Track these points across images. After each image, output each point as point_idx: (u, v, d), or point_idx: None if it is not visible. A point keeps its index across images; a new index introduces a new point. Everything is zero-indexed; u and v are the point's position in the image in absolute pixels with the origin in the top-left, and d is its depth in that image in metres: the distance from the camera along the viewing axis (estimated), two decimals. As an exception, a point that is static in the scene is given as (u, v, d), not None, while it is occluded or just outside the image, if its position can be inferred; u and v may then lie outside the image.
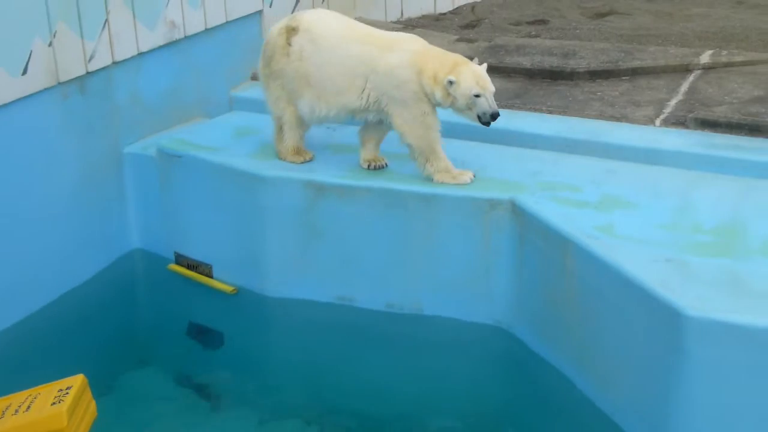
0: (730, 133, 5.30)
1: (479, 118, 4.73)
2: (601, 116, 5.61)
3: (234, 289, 5.44)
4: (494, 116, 4.71)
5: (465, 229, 4.88)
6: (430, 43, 6.76)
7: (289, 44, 4.99)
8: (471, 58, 6.34)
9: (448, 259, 4.99)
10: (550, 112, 5.70)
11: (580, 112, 5.68)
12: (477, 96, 4.67)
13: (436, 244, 4.99)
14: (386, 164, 5.15)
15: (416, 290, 5.11)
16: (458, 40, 7.04)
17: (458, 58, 4.80)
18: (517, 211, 4.75)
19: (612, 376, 4.29)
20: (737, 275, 4.04)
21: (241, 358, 5.05)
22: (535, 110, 5.73)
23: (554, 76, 6.20)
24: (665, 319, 3.87)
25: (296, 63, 4.99)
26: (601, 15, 7.97)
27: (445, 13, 8.27)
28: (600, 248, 4.26)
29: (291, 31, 5.00)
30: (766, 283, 3.96)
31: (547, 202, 4.73)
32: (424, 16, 8.18)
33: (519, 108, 5.76)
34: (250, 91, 6.32)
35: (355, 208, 5.07)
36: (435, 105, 4.82)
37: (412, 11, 8.18)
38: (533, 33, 7.43)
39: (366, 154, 5.18)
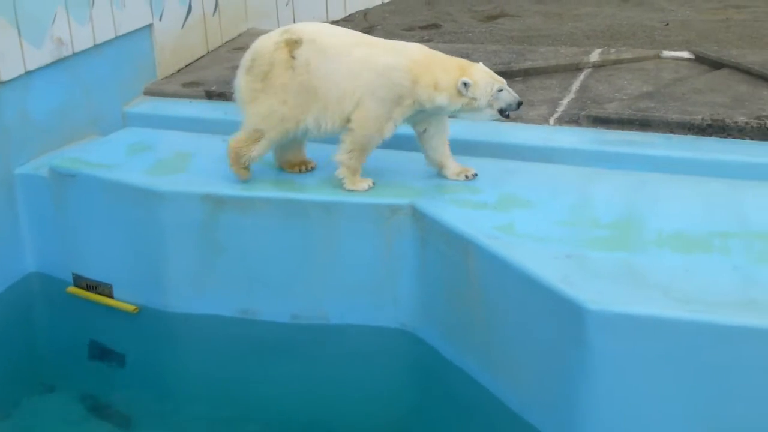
0: (622, 128, 5.41)
1: (502, 111, 4.78)
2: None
3: (136, 308, 5.35)
4: (520, 104, 4.79)
5: (367, 235, 4.88)
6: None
7: (293, 57, 4.84)
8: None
9: (352, 267, 4.98)
10: (446, 115, 5.73)
11: (476, 114, 5.71)
12: (500, 90, 4.74)
13: (339, 253, 4.98)
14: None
15: (321, 300, 5.09)
16: (352, 47, 7.03)
17: (461, 61, 4.84)
18: (417, 215, 4.77)
19: (519, 374, 4.33)
20: (635, 268, 4.11)
21: (146, 377, 4.97)
22: (431, 114, 5.75)
23: (448, 79, 6.23)
24: (567, 315, 3.93)
25: (303, 76, 4.83)
26: (492, 18, 8.06)
27: (337, 21, 8.27)
28: (501, 248, 4.30)
29: (293, 43, 4.84)
30: (662, 275, 4.04)
31: (446, 205, 4.76)
32: (316, 25, 8.16)
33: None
34: (144, 106, 6.23)
35: (256, 220, 5.02)
36: (429, 110, 4.82)
37: (304, 20, 8.14)
38: (426, 38, 7.47)
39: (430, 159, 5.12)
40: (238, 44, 7.17)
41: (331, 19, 8.31)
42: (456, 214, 4.65)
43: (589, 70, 6.30)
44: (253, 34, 7.30)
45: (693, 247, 4.28)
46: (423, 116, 4.90)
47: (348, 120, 4.84)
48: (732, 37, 7.06)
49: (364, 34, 5.04)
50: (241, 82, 4.98)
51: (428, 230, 4.72)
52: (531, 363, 4.25)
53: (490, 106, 4.76)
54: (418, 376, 4.90)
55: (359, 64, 4.79)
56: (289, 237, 5.01)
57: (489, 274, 4.36)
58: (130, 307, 5.36)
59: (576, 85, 6.05)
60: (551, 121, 5.57)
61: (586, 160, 5.15)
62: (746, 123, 5.24)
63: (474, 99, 4.72)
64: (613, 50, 6.60)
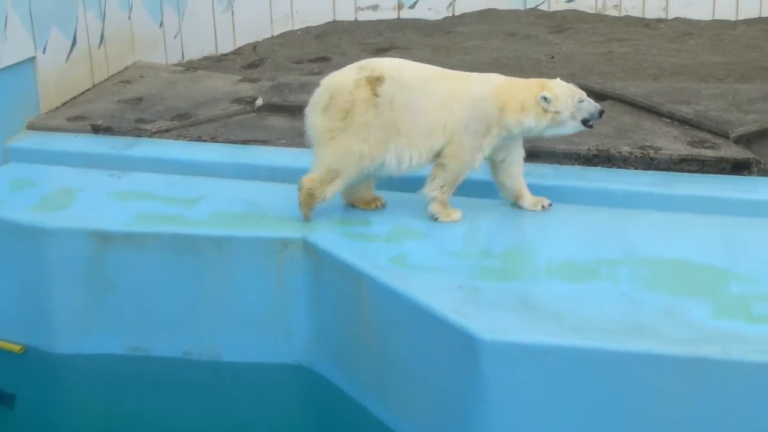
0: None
1: (585, 121, 4.79)
2: (387, 149, 5.67)
3: (21, 348, 5.19)
4: (602, 113, 4.82)
5: (258, 270, 4.83)
6: (214, 84, 6.74)
7: (376, 95, 4.70)
8: (255, 98, 6.35)
9: (244, 302, 4.92)
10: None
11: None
12: (581, 101, 4.76)
13: (231, 288, 4.92)
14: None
15: (213, 336, 5.01)
16: (241, 80, 7.01)
17: (539, 79, 4.86)
18: (309, 248, 4.74)
19: (415, 406, 4.32)
20: (526, 297, 4.16)
21: (32, 420, 4.81)
22: (322, 147, 5.74)
23: (339, 112, 6.24)
24: (461, 345, 3.94)
25: (387, 113, 4.71)
26: (382, 50, 8.12)
27: (227, 54, 8.24)
28: (393, 280, 4.30)
29: (375, 81, 4.70)
30: (553, 303, 4.10)
31: (338, 238, 4.74)
32: (205, 58, 8.12)
33: (305, 146, 5.72)
34: (27, 141, 6.07)
35: (145, 256, 4.93)
36: (516, 135, 4.81)
37: (194, 53, 8.11)
38: (316, 70, 7.48)
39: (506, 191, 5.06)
40: (125, 77, 7.07)
41: (220, 52, 8.28)
42: (348, 246, 4.64)
43: (478, 102, 6.36)
44: (139, 67, 7.23)
45: (582, 275, 4.35)
46: (506, 143, 4.87)
47: (436, 154, 4.79)
48: (615, 70, 7.24)
49: (436, 67, 4.98)
50: (317, 121, 4.80)
51: (321, 263, 4.70)
52: (426, 395, 4.25)
53: (573, 117, 4.78)
54: (314, 412, 4.86)
55: (449, 99, 4.74)
56: (179, 272, 4.93)
57: (382, 306, 4.36)
58: (15, 347, 5.19)
59: (465, 117, 6.09)
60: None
61: (476, 191, 5.18)
62: (630, 153, 5.37)
63: (557, 113, 4.73)
64: (500, 82, 6.68)
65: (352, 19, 9.08)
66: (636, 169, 5.34)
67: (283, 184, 5.33)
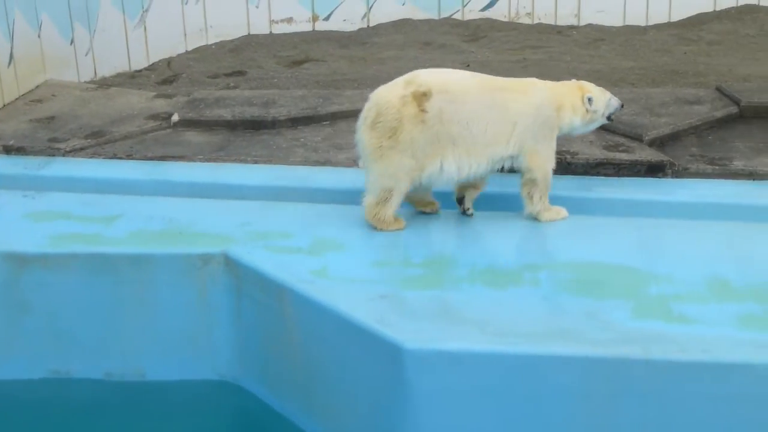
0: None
1: (609, 117, 5.10)
2: (305, 162, 5.67)
3: (-65, 377, 5.05)
4: (622, 106, 5.15)
5: (179, 287, 4.77)
6: (128, 101, 6.66)
7: (424, 110, 4.66)
8: (170, 114, 6.29)
9: (166, 320, 4.85)
10: (256, 162, 5.70)
11: (285, 159, 5.71)
12: (610, 99, 5.05)
13: (152, 306, 4.84)
14: None
15: (136, 355, 4.93)
16: (156, 96, 6.93)
17: (573, 82, 5.07)
18: (230, 263, 4.70)
19: (341, 418, 4.30)
20: (449, 304, 4.17)
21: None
22: (240, 161, 5.71)
23: (256, 125, 6.22)
24: (385, 355, 3.93)
25: (436, 127, 4.68)
26: (298, 63, 8.10)
27: (140, 70, 8.13)
28: (316, 292, 4.28)
29: (422, 96, 4.67)
30: (476, 310, 4.11)
31: (259, 252, 4.70)
32: (119, 75, 8.01)
33: (224, 160, 5.72)
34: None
35: (63, 277, 4.83)
36: (564, 135, 5.04)
37: (106, 70, 7.99)
38: (232, 84, 7.43)
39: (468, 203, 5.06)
40: (36, 96, 6.94)
41: (133, 69, 8.17)
42: (269, 260, 4.61)
43: (396, 112, 6.37)
44: (51, 85, 7.11)
45: (504, 280, 4.38)
46: None
47: (499, 162, 4.85)
48: (530, 76, 7.29)
49: (482, 75, 5.01)
50: (365, 139, 4.78)
51: (242, 278, 4.65)
52: (353, 406, 4.24)
53: (602, 116, 5.05)
54: (241, 427, 4.81)
55: (510, 112, 4.78)
56: (98, 292, 4.84)
57: (305, 318, 4.33)
58: (-72, 377, 5.05)
59: (383, 127, 6.11)
60: (360, 163, 5.60)
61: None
62: (547, 158, 5.42)
63: (595, 112, 4.99)
64: (417, 92, 6.70)
65: (267, 32, 9.04)
66: (554, 174, 5.38)
67: (201, 200, 5.28)
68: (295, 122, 6.24)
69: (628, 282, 4.35)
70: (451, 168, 4.75)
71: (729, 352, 3.77)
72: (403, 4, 9.28)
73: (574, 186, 5.23)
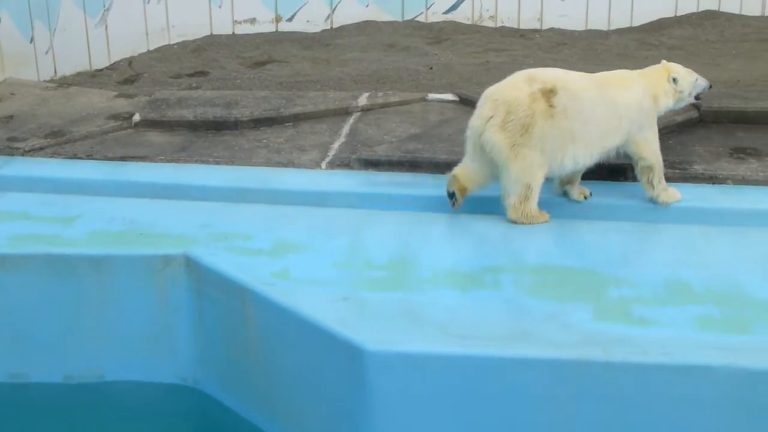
0: (392, 170, 5.50)
1: (697, 97, 5.30)
2: (268, 163, 5.65)
3: None
4: (710, 87, 5.31)
5: (140, 288, 4.73)
6: (89, 100, 6.60)
7: (552, 106, 4.82)
8: (132, 114, 6.24)
9: (126, 322, 4.80)
10: (218, 163, 5.67)
11: (247, 160, 5.69)
12: (696, 79, 5.21)
13: (112, 308, 4.80)
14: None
15: (96, 357, 4.88)
16: (117, 95, 6.88)
17: (661, 65, 5.22)
18: (191, 265, 4.66)
19: (304, 420, 4.29)
20: (412, 307, 4.16)
21: None
22: (202, 162, 5.68)
23: (218, 126, 6.19)
24: (347, 357, 3.92)
25: (563, 122, 4.85)
26: (260, 64, 8.07)
27: (101, 69, 8.07)
28: (277, 294, 4.26)
29: (549, 92, 4.84)
30: (439, 312, 4.11)
31: (221, 253, 4.68)
32: (79, 74, 7.94)
33: (185, 161, 5.69)
34: None
35: (22, 279, 4.78)
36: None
37: (67, 69, 7.92)
38: (194, 85, 7.39)
39: (576, 190, 5.21)
40: (-4, 95, 6.88)
41: (94, 68, 8.10)
42: (231, 261, 4.58)
43: (358, 113, 6.38)
44: (10, 84, 7.04)
45: (466, 283, 4.38)
46: None
47: (608, 153, 5.04)
48: (492, 79, 7.20)
49: (586, 74, 5.15)
50: (498, 140, 4.84)
51: (203, 280, 4.62)
52: (315, 408, 4.22)
53: (689, 95, 5.22)
54: (202, 431, 4.77)
55: (617, 106, 4.97)
56: (57, 294, 4.79)
57: (267, 321, 4.31)
58: None
59: (346, 129, 6.11)
60: (323, 165, 5.60)
61: (358, 202, 5.20)
62: (510, 161, 5.43)
63: (681, 92, 5.17)
64: (380, 94, 6.72)
65: (230, 32, 9.01)
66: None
67: (162, 201, 5.25)
68: (258, 123, 6.22)
69: (589, 285, 4.37)
70: (569, 161, 4.94)
71: (689, 354, 3.79)
72: (367, 6, 9.29)
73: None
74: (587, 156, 4.97)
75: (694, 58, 8.06)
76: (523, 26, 9.34)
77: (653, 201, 5.11)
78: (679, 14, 9.40)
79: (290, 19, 9.18)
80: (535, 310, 4.13)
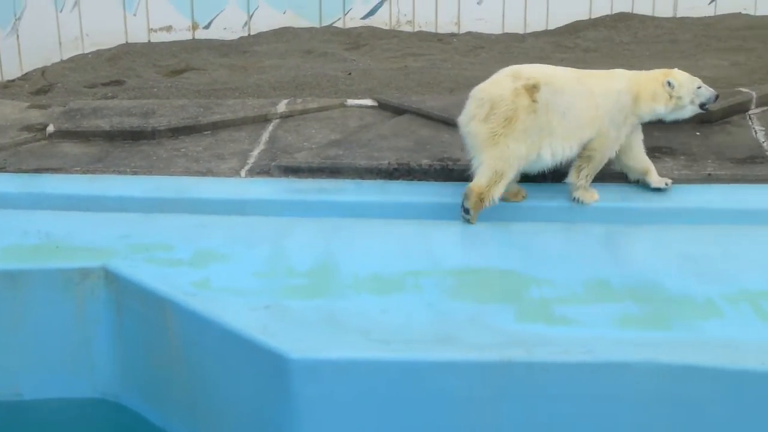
0: (312, 177, 5.48)
1: (702, 105, 5.20)
2: (187, 172, 5.58)
3: None
4: (717, 98, 5.26)
5: (57, 303, 4.64)
6: (1, 112, 6.47)
7: (535, 101, 4.95)
8: (45, 125, 6.13)
9: (43, 337, 4.71)
10: (135, 173, 5.59)
11: (166, 170, 5.62)
12: (699, 87, 5.17)
13: (28, 323, 4.70)
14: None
15: (12, 375, 4.77)
16: (30, 106, 6.75)
17: (662, 69, 5.23)
18: (110, 277, 4.59)
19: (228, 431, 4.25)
20: (334, 313, 4.15)
21: None
22: (120, 172, 5.59)
23: (136, 136, 6.10)
24: (270, 365, 3.91)
25: (543, 117, 4.98)
26: (178, 72, 7.98)
27: (13, 80, 7.90)
28: (198, 304, 4.22)
29: (532, 88, 4.97)
30: (361, 318, 4.11)
31: (140, 265, 4.61)
32: (-11, 85, 7.78)
33: (102, 172, 5.59)
34: None
35: (-67, 295, 4.67)
36: (645, 121, 5.22)
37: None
38: (110, 94, 7.28)
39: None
40: None
41: (6, 78, 7.93)
42: (150, 273, 4.52)
43: (278, 120, 6.35)
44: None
45: (388, 288, 4.38)
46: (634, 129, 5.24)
47: (584, 144, 5.08)
48: (411, 84, 7.35)
49: (572, 69, 5.29)
50: (478, 129, 5.00)
51: (122, 292, 4.56)
52: (239, 419, 4.19)
53: (692, 102, 5.18)
54: (123, 446, 4.71)
55: (595, 96, 5.07)
56: (-28, 310, 4.68)
57: (189, 331, 4.26)
58: None
59: (265, 136, 6.07)
60: (243, 173, 5.56)
61: (279, 210, 5.17)
62: (430, 165, 5.45)
63: (679, 98, 5.14)
64: (299, 100, 6.69)
65: (146, 41, 8.89)
66: (436, 180, 5.43)
67: (79, 213, 5.16)
68: (176, 132, 6.14)
69: (510, 286, 4.40)
70: (547, 154, 5.05)
71: (609, 351, 3.85)
72: (284, 13, 9.24)
73: (457, 192, 5.25)
74: (566, 148, 5.07)
75: (609, 59, 8.17)
76: (440, 30, 9.37)
77: (570, 191, 5.17)
78: (593, 17, 9.52)
79: (207, 27, 9.10)
80: (457, 313, 4.14)
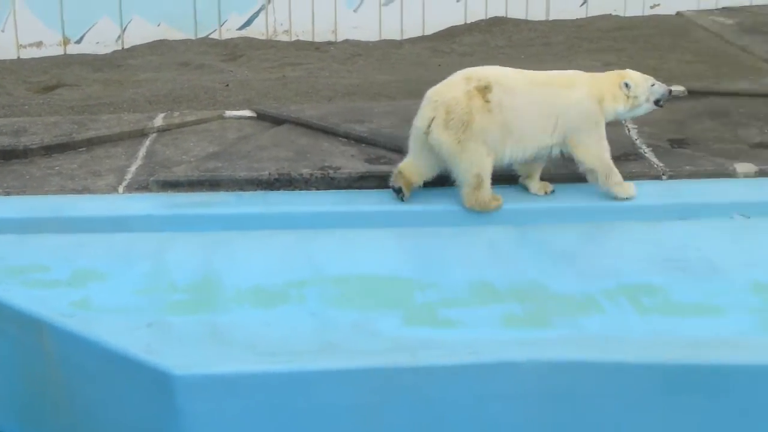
0: (192, 190, 5.41)
1: (656, 102, 5.34)
2: (62, 191, 5.45)
3: None
4: (670, 92, 5.42)
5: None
6: None
7: (488, 101, 5.03)
8: None
9: None
10: (8, 194, 5.43)
11: (40, 189, 5.48)
12: (653, 84, 5.31)
13: None
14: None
15: None
16: None
17: (615, 71, 5.40)
18: (-16, 302, 4.45)
19: (113, 454, 4.16)
20: (218, 327, 4.10)
21: None
22: (-8, 194, 5.44)
23: (7, 155, 5.93)
24: (155, 384, 3.83)
25: (499, 116, 5.07)
26: (49, 89, 7.80)
27: None
28: (77, 325, 4.11)
29: (484, 89, 5.07)
30: (245, 331, 4.07)
31: (15, 287, 4.47)
32: None
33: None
34: None
35: None
36: (610, 121, 5.32)
37: None
38: (-21, 114, 7.07)
39: (536, 185, 5.40)
40: None
41: None
42: (26, 295, 4.39)
43: (155, 135, 6.25)
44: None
45: (272, 299, 4.35)
46: None
47: (547, 149, 5.20)
48: (290, 94, 7.32)
49: (528, 71, 5.34)
50: (443, 138, 5.06)
51: (-2, 316, 4.42)
52: (124, 440, 4.09)
53: (647, 100, 5.33)
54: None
55: (552, 106, 5.16)
56: None
57: (68, 353, 4.14)
58: None
59: (143, 151, 5.98)
60: (120, 189, 5.46)
61: (159, 225, 5.09)
62: (311, 174, 5.44)
63: (636, 97, 5.29)
64: (176, 114, 6.61)
65: (15, 57, 8.68)
66: (317, 189, 5.42)
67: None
68: (49, 150, 5.99)
69: (394, 292, 4.41)
70: (507, 154, 5.17)
71: (493, 352, 3.88)
72: (158, 25, 9.13)
73: (338, 200, 5.28)
74: (521, 150, 5.17)
75: (485, 63, 8.18)
76: (317, 39, 9.39)
77: (610, 194, 5.28)
78: (468, 22, 9.67)
79: (79, 41, 8.93)
80: (342, 321, 4.14)
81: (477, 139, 5.05)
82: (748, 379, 3.83)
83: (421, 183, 5.27)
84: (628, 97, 5.29)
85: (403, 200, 5.22)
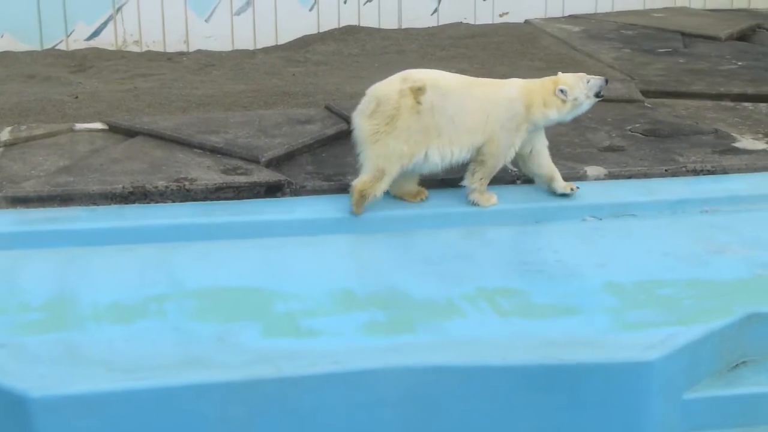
0: (43, 206, 5.25)
1: (597, 94, 5.37)
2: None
3: None
4: (607, 81, 5.47)
5: None
6: None
7: (419, 103, 5.10)
8: None
9: None
10: None
11: None
12: (588, 81, 5.36)
13: None
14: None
15: None
16: None
17: (551, 77, 5.41)
18: None
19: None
20: (74, 346, 3.98)
21: None
22: None
23: None
24: (10, 407, 3.69)
25: (428, 119, 5.14)
26: None
27: None
28: None
29: (418, 90, 5.14)
30: (103, 348, 3.96)
31: None
32: None
33: None
34: None
35: None
36: (542, 127, 5.39)
37: None
38: None
39: (560, 183, 5.52)
40: None
41: None
42: None
43: (1, 149, 6.04)
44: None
45: (131, 315, 4.25)
46: (531, 136, 5.38)
47: (477, 149, 5.25)
48: (142, 105, 7.19)
49: (466, 76, 5.50)
50: (362, 125, 5.18)
51: None
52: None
53: (587, 98, 5.37)
54: None
55: (485, 103, 5.25)
56: None
57: None
58: None
59: (-12, 166, 5.78)
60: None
61: (8, 243, 4.91)
62: (166, 187, 5.36)
63: (575, 99, 5.33)
64: (23, 127, 6.41)
65: None
66: (174, 202, 5.34)
67: None
68: None
69: (255, 303, 4.38)
70: (435, 156, 5.22)
71: (357, 360, 3.89)
72: (2, 36, 8.87)
73: (195, 212, 5.21)
74: (455, 152, 5.24)
75: (339, 71, 8.32)
76: (169, 49, 9.26)
77: (467, 195, 5.38)
78: (322, 31, 9.70)
79: None
80: (203, 335, 4.07)
81: (398, 137, 5.13)
82: (603, 377, 3.95)
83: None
84: (565, 101, 5.34)
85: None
